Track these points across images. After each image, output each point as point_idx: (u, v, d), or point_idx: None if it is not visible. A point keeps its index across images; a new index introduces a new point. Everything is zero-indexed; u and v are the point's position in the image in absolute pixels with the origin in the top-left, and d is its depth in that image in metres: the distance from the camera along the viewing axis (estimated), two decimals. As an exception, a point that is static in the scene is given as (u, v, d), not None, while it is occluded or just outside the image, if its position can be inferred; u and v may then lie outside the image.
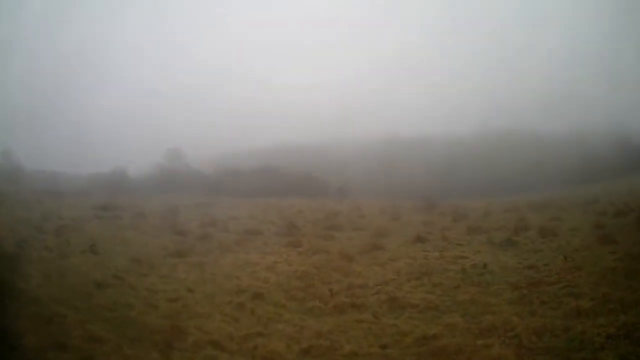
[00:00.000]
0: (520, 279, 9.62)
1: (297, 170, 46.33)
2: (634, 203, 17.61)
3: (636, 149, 48.03)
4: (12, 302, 6.86)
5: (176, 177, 50.83)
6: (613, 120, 57.31)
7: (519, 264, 10.93)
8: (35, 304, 7.89)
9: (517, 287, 9.10)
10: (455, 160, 53.04)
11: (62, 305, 8.06)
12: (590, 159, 48.26)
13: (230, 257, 12.42)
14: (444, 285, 9.44)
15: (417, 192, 29.04)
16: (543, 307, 7.87)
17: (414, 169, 49.98)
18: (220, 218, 20.33)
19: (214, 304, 8.47)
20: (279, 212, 22.67)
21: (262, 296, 8.88)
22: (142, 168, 55.70)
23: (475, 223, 17.07)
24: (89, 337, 6.65)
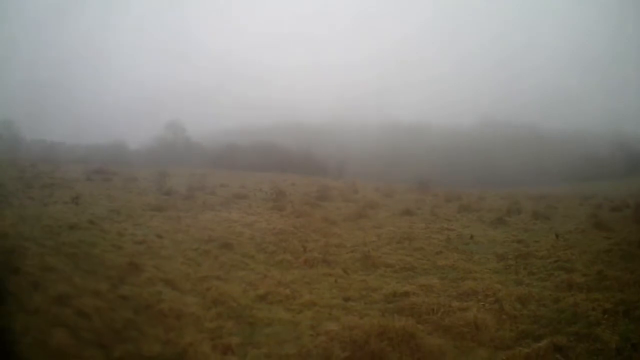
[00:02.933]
0: (508, 251, 9.09)
1: (297, 148, 45.85)
2: (631, 200, 17.15)
3: (634, 153, 47.50)
4: None
5: (175, 150, 50.42)
6: (613, 123, 56.69)
7: (507, 238, 10.43)
8: (2, 238, 7.72)
9: (503, 257, 8.59)
10: (455, 150, 52.34)
11: (28, 241, 7.91)
12: (590, 159, 47.60)
13: (210, 214, 12.00)
14: (425, 250, 8.94)
15: (414, 178, 28.54)
16: (530, 278, 7.34)
17: (413, 156, 49.35)
18: (210, 184, 19.95)
19: (180, 249, 8.05)
20: (272, 184, 22.21)
21: (231, 246, 8.45)
22: (143, 141, 55.45)
23: (468, 204, 16.53)
24: (44, 267, 6.48)
